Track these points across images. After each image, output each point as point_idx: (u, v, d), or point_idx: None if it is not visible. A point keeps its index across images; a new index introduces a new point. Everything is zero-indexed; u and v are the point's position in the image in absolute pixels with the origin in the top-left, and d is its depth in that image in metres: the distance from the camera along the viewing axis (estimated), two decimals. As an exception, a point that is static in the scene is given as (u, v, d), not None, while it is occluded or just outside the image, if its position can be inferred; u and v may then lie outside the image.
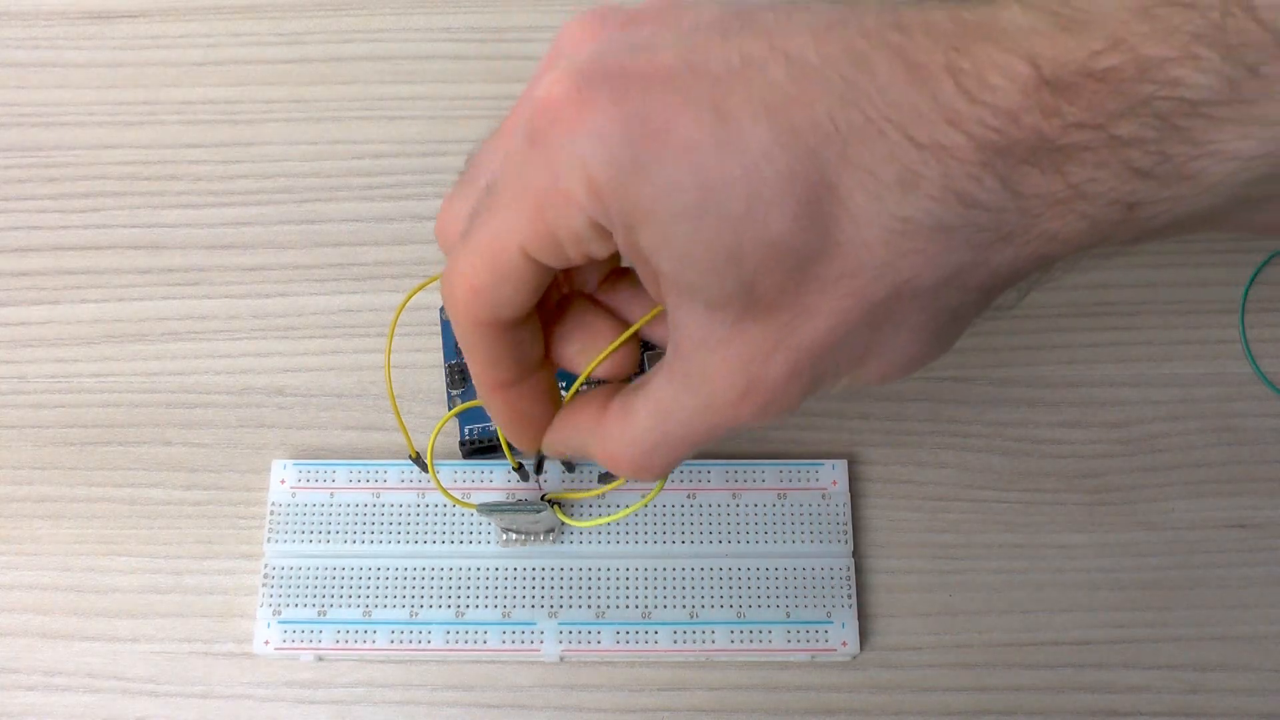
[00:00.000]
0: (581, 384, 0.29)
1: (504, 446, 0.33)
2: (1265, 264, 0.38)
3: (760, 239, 0.21)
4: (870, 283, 0.22)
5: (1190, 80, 0.19)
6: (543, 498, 0.33)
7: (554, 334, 0.28)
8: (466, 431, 0.36)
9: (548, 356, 0.28)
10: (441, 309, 0.38)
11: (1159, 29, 0.19)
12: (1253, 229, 0.24)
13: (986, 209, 0.21)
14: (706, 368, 0.24)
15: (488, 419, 0.35)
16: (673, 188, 0.21)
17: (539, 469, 0.34)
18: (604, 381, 0.28)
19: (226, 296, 0.39)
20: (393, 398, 0.33)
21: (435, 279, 0.35)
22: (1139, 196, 0.21)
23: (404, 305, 0.34)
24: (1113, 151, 0.20)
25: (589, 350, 0.28)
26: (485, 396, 0.27)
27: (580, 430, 0.28)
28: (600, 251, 0.23)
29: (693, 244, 0.22)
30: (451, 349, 0.37)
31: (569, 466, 0.35)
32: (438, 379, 0.37)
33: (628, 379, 0.28)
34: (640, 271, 0.25)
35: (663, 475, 0.27)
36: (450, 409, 0.37)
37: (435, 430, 0.32)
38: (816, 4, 0.23)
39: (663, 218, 0.21)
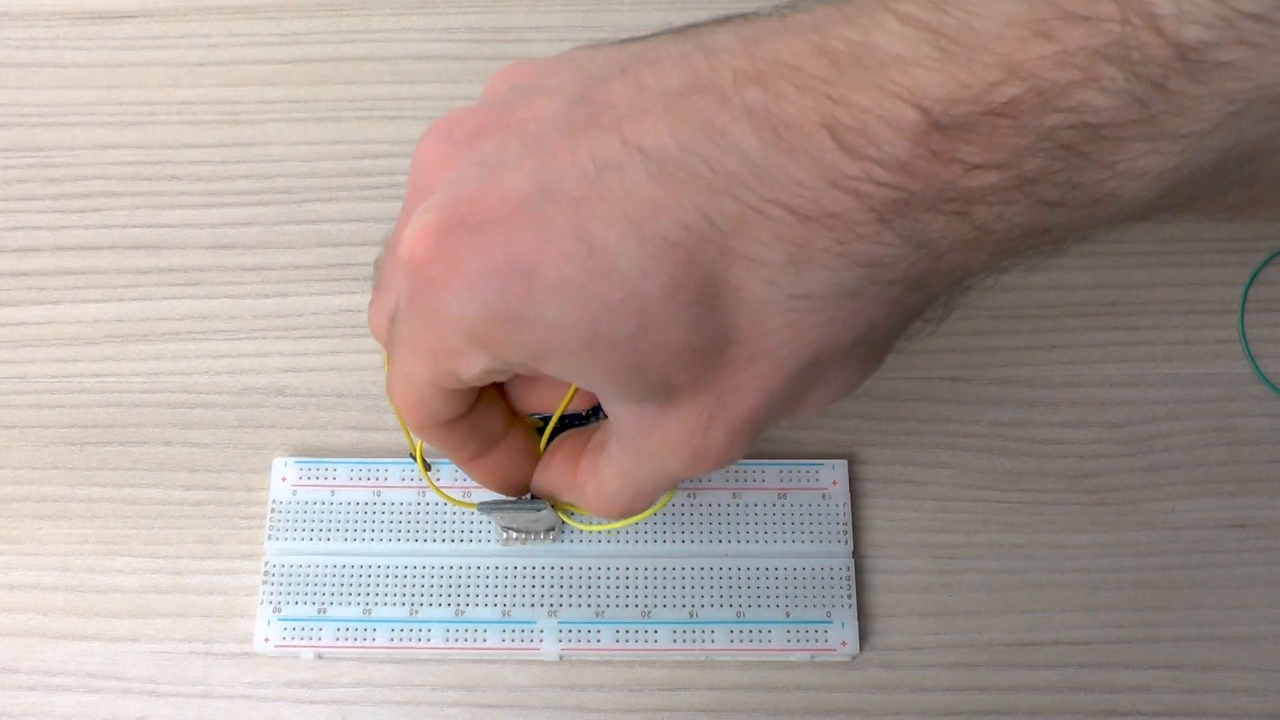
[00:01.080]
0: (551, 431, 0.29)
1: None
2: (1265, 264, 0.38)
3: (659, 351, 0.21)
4: (784, 359, 0.22)
5: (1095, 103, 0.18)
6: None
7: (516, 388, 0.28)
8: None
9: (515, 413, 0.28)
10: None
11: (1058, 49, 0.17)
12: (1206, 213, 0.22)
13: (890, 265, 0.20)
14: (652, 445, 0.24)
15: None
16: (557, 328, 0.21)
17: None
18: (578, 416, 0.30)
19: (226, 296, 0.39)
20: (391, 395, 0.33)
21: None
22: (1051, 223, 0.19)
23: None
24: (1019, 189, 0.19)
25: (552, 394, 0.27)
26: (463, 469, 0.28)
27: (558, 487, 0.29)
28: (508, 374, 0.24)
29: (595, 367, 0.21)
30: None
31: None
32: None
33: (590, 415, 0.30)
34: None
35: (632, 514, 0.28)
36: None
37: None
38: (663, 50, 0.21)
39: (558, 353, 0.21)
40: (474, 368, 0.23)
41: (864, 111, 0.18)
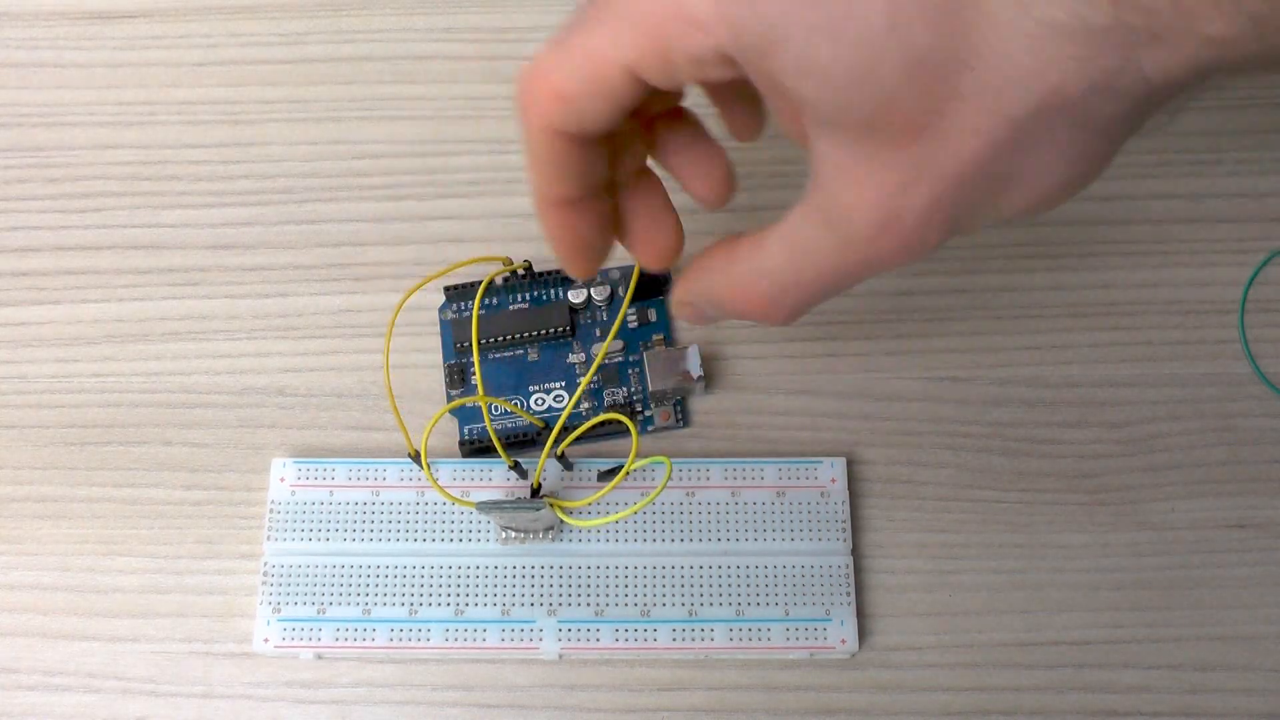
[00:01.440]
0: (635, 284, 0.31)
1: (498, 447, 0.33)
2: (1265, 264, 0.38)
3: (901, 53, 0.20)
4: (1014, 96, 0.21)
5: None
6: (536, 493, 0.33)
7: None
8: (466, 431, 0.36)
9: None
10: (441, 308, 0.38)
11: None
12: None
13: (1136, 4, 0.19)
14: (845, 200, 0.23)
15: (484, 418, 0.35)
16: (811, 3, 0.20)
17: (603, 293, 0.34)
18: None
19: (226, 296, 0.39)
20: (391, 395, 0.33)
21: (433, 278, 0.35)
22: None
23: (401, 304, 0.34)
24: None
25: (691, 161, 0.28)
26: (542, 212, 0.27)
27: (710, 271, 0.27)
28: (717, 76, 0.22)
29: (832, 63, 0.21)
30: (450, 350, 0.37)
31: (567, 464, 0.35)
32: (437, 379, 0.37)
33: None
34: (771, 100, 0.24)
35: (791, 319, 0.27)
36: (450, 400, 0.37)
37: (428, 427, 0.32)
38: None
39: (799, 38, 0.20)
40: (699, 45, 0.21)
41: None
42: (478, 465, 0.35)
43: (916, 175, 0.22)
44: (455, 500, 0.32)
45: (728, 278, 0.27)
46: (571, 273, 0.28)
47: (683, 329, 0.38)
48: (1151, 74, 0.20)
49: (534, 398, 0.37)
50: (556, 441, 0.33)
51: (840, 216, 0.23)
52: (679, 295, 0.29)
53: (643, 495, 0.32)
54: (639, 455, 0.34)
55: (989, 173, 0.22)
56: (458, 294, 0.37)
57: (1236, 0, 0.19)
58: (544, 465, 0.33)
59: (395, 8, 0.43)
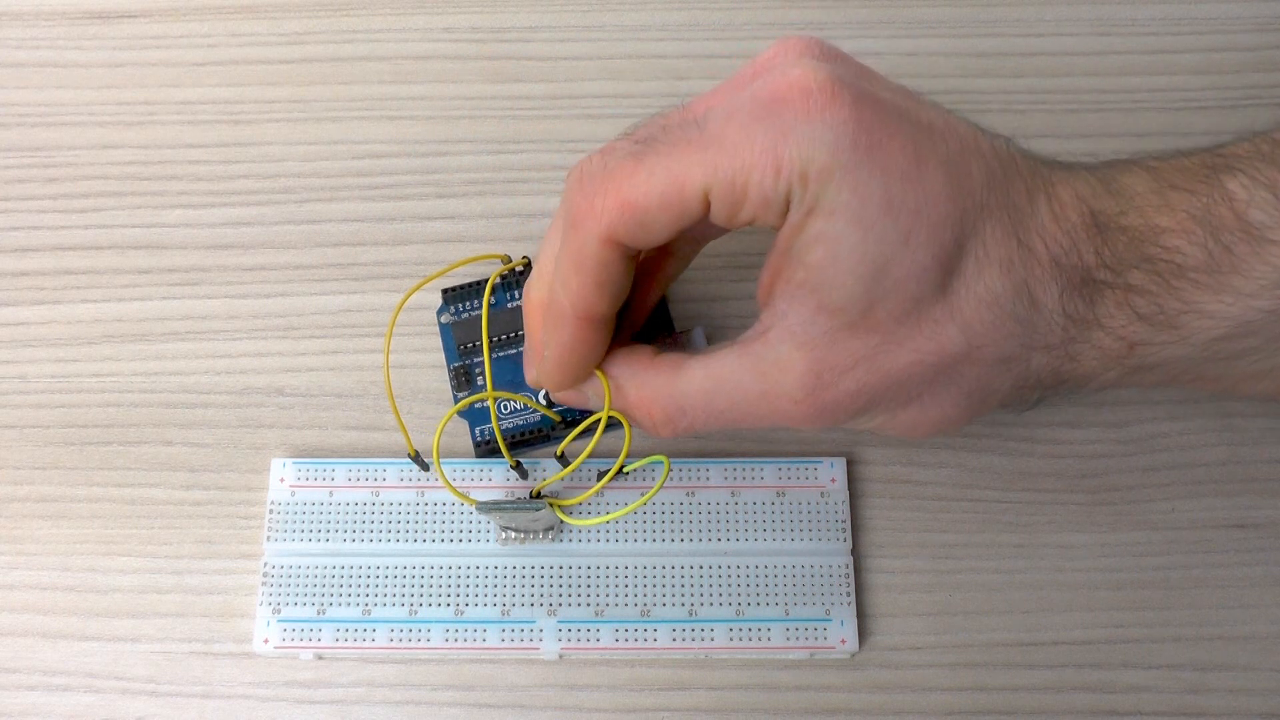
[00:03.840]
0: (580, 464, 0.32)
1: (502, 447, 0.33)
2: (1265, 264, 0.38)
3: (906, 265, 0.25)
4: (954, 337, 0.26)
5: (1183, 249, 0.25)
6: (536, 494, 0.33)
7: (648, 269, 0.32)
8: (478, 432, 0.36)
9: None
10: (439, 311, 0.38)
11: (1165, 205, 0.26)
12: (1235, 390, 0.30)
13: (1041, 315, 0.26)
14: (784, 358, 0.26)
15: (493, 419, 0.35)
16: (865, 195, 0.24)
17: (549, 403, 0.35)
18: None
19: (226, 296, 0.39)
20: (391, 396, 0.33)
21: (433, 278, 0.35)
22: (1139, 337, 0.26)
23: (401, 305, 0.34)
24: (1125, 296, 0.26)
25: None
26: (566, 326, 0.28)
27: (625, 368, 0.29)
28: (765, 220, 0.26)
29: (853, 248, 0.25)
30: (454, 353, 0.37)
31: (566, 464, 0.35)
32: (437, 379, 0.37)
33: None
34: (777, 258, 0.27)
35: (671, 435, 0.29)
36: (460, 412, 0.36)
37: (439, 428, 0.32)
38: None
39: (842, 217, 0.24)
40: (774, 187, 0.25)
41: (1065, 201, 0.27)
42: (478, 465, 0.35)
43: (856, 363, 0.26)
44: (462, 497, 0.32)
45: (638, 384, 0.29)
46: (555, 386, 0.30)
47: (682, 317, 0.38)
48: (1033, 368, 0.27)
49: (539, 395, 0.37)
50: (566, 460, 0.34)
51: (774, 369, 0.27)
52: (569, 382, 0.30)
53: (642, 495, 0.32)
54: (640, 454, 0.34)
55: (908, 385, 0.27)
56: (455, 296, 0.37)
57: (1093, 333, 0.27)
58: (550, 481, 0.34)
59: (395, 8, 0.43)
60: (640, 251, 0.28)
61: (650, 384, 0.29)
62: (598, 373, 0.30)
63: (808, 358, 0.26)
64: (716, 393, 0.27)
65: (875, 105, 0.25)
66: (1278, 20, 0.42)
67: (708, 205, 0.25)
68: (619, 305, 0.28)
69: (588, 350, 0.29)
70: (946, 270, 0.25)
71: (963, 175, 0.25)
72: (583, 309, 0.28)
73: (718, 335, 0.37)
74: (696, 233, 0.31)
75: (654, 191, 0.25)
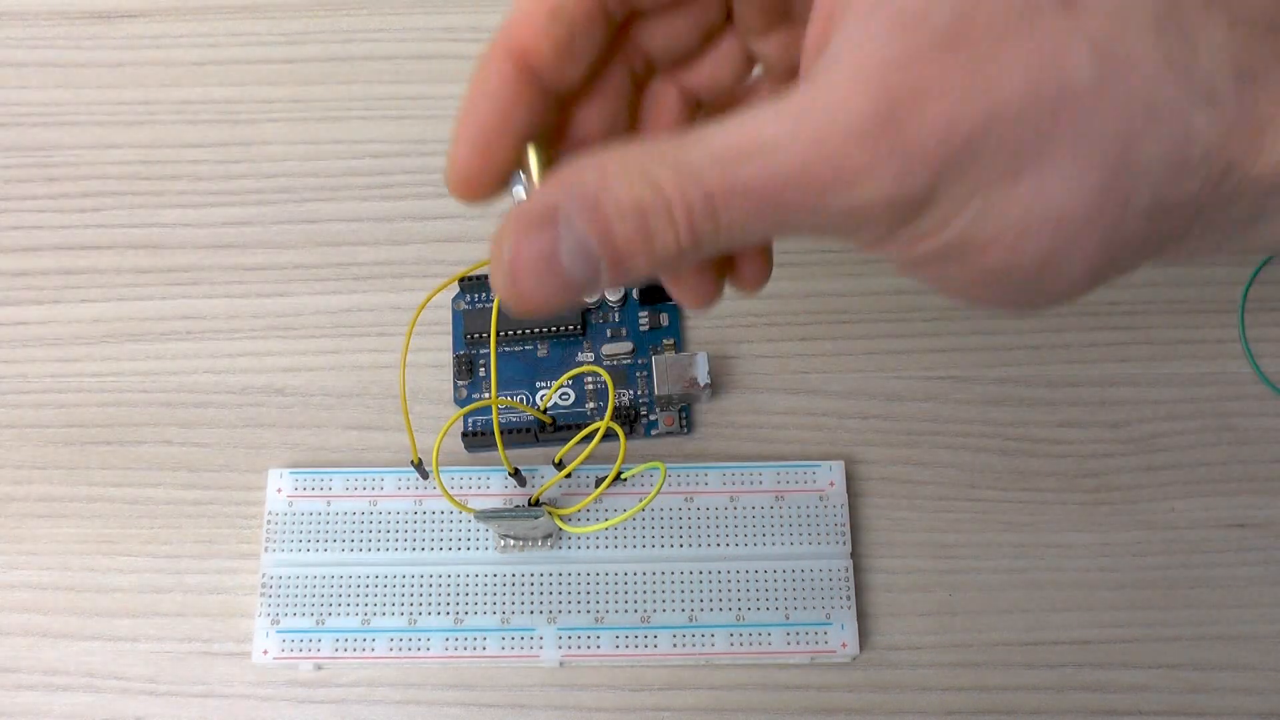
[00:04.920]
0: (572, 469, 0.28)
1: (502, 455, 0.33)
2: (1265, 264, 0.38)
3: None
4: (1081, 56, 0.17)
5: None
6: (534, 501, 0.33)
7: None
8: (470, 423, 0.36)
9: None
10: (455, 298, 0.38)
11: None
12: None
13: (1201, 60, 0.18)
14: (846, 90, 0.18)
15: (490, 413, 0.35)
16: None
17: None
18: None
19: (226, 296, 0.39)
20: (404, 399, 0.33)
21: (459, 277, 0.35)
22: None
23: (424, 304, 0.34)
24: None
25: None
26: (486, 64, 0.21)
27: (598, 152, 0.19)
28: None
29: None
30: (460, 340, 0.37)
31: (560, 468, 0.35)
32: (437, 378, 0.37)
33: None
34: None
35: (682, 241, 0.18)
36: (456, 399, 0.37)
37: (438, 438, 0.32)
38: None
39: None
40: None
41: None
42: (476, 473, 0.35)
43: (948, 86, 0.17)
44: (460, 506, 0.32)
45: (618, 154, 0.18)
46: (455, 168, 0.21)
47: (693, 336, 0.37)
48: (1210, 145, 0.18)
49: (539, 394, 0.37)
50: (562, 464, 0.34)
51: (830, 108, 0.18)
52: (473, 158, 0.21)
53: (640, 501, 0.32)
54: (637, 460, 0.34)
55: (1020, 133, 0.18)
56: (472, 285, 0.38)
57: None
58: (547, 487, 0.34)
59: (395, 7, 0.43)
60: (623, 11, 0.21)
61: (639, 150, 0.18)
62: (531, 151, 0.21)
63: (878, 83, 0.17)
64: (744, 154, 0.18)
65: None
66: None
67: None
68: (571, 68, 0.21)
69: (508, 104, 0.20)
70: None
71: None
72: (521, 35, 0.20)
73: (718, 351, 0.37)
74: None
75: None
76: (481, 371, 0.37)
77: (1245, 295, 0.38)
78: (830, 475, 0.35)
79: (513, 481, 0.35)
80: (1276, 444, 0.36)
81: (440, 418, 0.37)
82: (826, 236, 0.19)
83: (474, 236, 0.39)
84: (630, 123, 0.23)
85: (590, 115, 0.22)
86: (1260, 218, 0.19)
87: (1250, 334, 0.37)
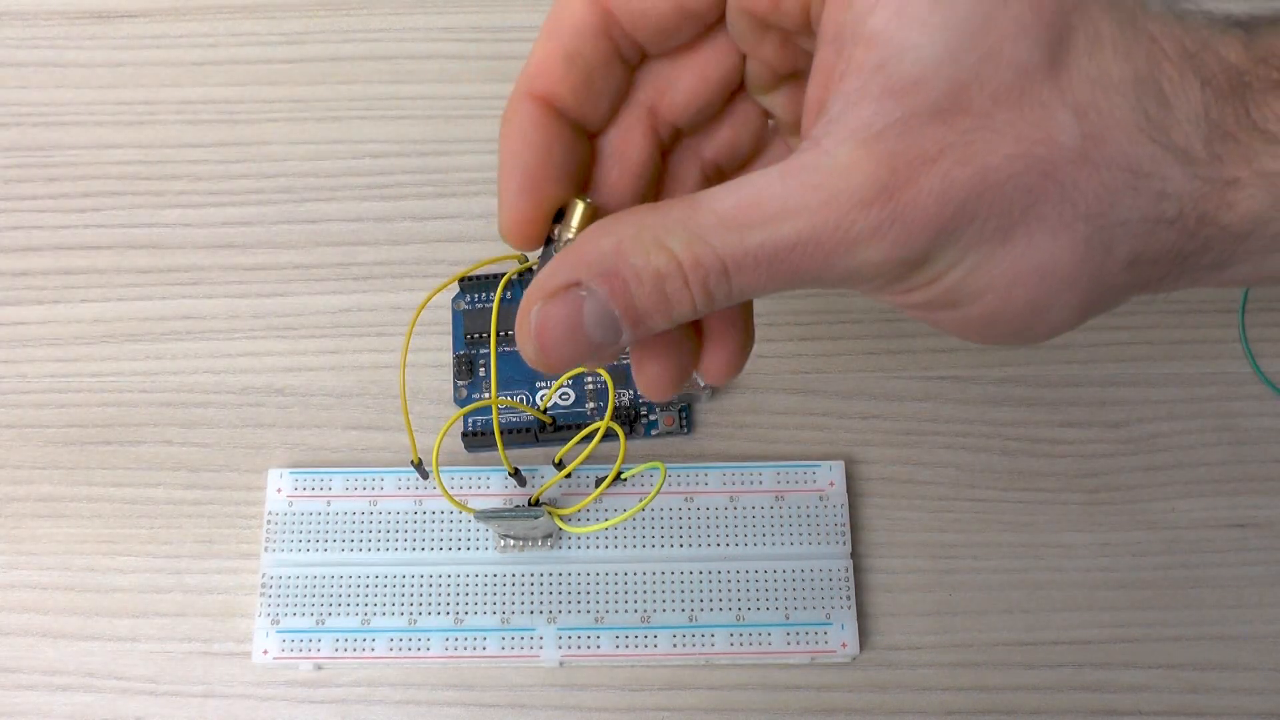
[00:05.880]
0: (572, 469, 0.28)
1: (502, 455, 0.33)
2: (1265, 264, 0.38)
3: (999, 19, 0.19)
4: (1066, 124, 0.19)
5: None
6: (534, 501, 0.33)
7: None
8: (470, 423, 0.36)
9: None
10: (455, 298, 0.38)
11: None
12: None
13: (1176, 118, 0.19)
14: (847, 159, 0.19)
15: (490, 413, 0.35)
16: None
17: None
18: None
19: (226, 296, 0.39)
20: (404, 399, 0.33)
21: (459, 277, 0.35)
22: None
23: (424, 305, 0.34)
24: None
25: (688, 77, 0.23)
26: (513, 111, 0.21)
27: (615, 214, 0.20)
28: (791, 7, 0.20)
29: (942, 11, 0.19)
30: (461, 340, 0.37)
31: (560, 467, 0.35)
32: (437, 378, 0.37)
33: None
34: (826, 55, 0.20)
35: (700, 297, 0.20)
36: (456, 399, 0.37)
37: (438, 439, 0.32)
38: None
39: None
40: None
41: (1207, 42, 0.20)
42: (476, 473, 0.35)
43: (939, 153, 0.19)
44: (460, 506, 0.32)
45: (634, 219, 0.20)
46: (508, 220, 0.22)
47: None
48: (1161, 214, 0.20)
49: (539, 394, 0.37)
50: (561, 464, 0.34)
51: (832, 175, 0.19)
52: (523, 209, 0.22)
53: (640, 501, 0.32)
54: (637, 460, 0.34)
55: (1005, 197, 0.19)
56: (472, 285, 0.38)
57: (1237, 170, 0.19)
58: (547, 487, 0.34)
59: (395, 7, 0.43)
60: (636, 55, 0.22)
61: (653, 218, 0.20)
62: (578, 205, 0.22)
63: (877, 151, 0.19)
64: (752, 221, 0.19)
65: None
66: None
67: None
68: (593, 108, 0.22)
69: (545, 146, 0.21)
70: (1051, 37, 0.19)
71: None
72: (541, 81, 0.21)
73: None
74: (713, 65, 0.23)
75: None
76: (481, 371, 0.37)
77: (1245, 295, 0.38)
78: (830, 475, 0.35)
79: (513, 481, 0.35)
80: (1276, 444, 0.36)
81: (440, 418, 0.37)
82: (826, 288, 0.20)
83: (474, 236, 0.39)
84: (656, 189, 0.24)
85: (617, 182, 0.23)
86: (1229, 263, 0.21)
87: (1250, 334, 0.37)
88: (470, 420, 0.36)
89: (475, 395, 0.37)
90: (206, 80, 0.42)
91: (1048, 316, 0.20)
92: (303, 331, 0.38)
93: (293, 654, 0.34)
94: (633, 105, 0.23)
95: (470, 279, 0.37)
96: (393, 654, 0.34)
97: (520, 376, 0.37)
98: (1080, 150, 0.19)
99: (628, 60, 0.22)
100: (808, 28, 0.21)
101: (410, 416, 0.34)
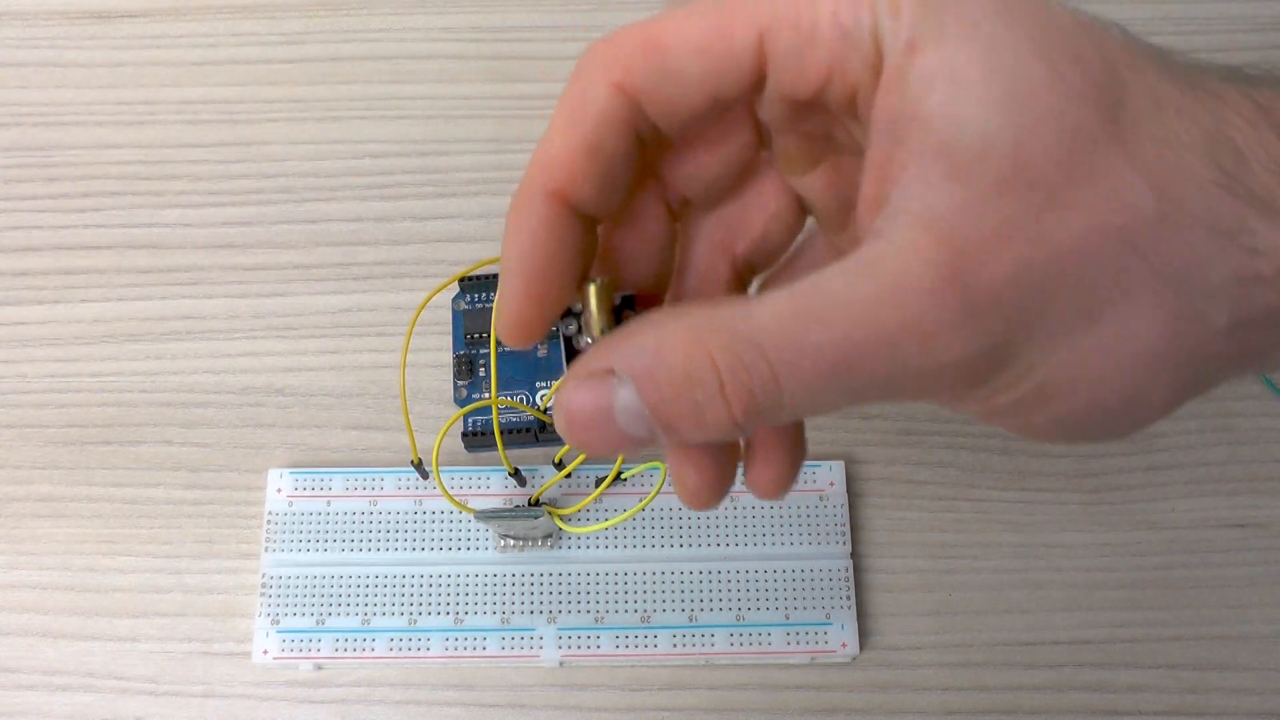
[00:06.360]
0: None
1: (502, 455, 0.33)
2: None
3: (1054, 87, 0.17)
4: (1140, 191, 0.17)
5: None
6: (534, 501, 0.33)
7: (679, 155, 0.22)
8: (470, 423, 0.36)
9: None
10: (455, 298, 0.38)
11: None
12: None
13: (1254, 171, 0.18)
14: (908, 244, 0.17)
15: (490, 413, 0.35)
16: (979, 11, 0.18)
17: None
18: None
19: (226, 296, 0.39)
20: (404, 399, 0.33)
21: (459, 277, 0.35)
22: None
23: (424, 304, 0.34)
24: None
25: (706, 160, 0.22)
26: (529, 207, 0.20)
27: (663, 312, 0.19)
28: (848, 74, 0.19)
29: (981, 71, 0.17)
30: (461, 340, 0.37)
31: (559, 467, 0.35)
32: (437, 378, 0.37)
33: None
34: (881, 146, 0.19)
35: (746, 415, 0.18)
36: (456, 399, 0.37)
37: (438, 439, 0.32)
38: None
39: (957, 36, 0.18)
40: (857, 17, 0.18)
41: None
42: (476, 473, 0.35)
43: (1008, 236, 0.17)
44: (460, 506, 0.32)
45: (685, 321, 0.18)
46: (510, 320, 0.20)
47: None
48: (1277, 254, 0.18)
49: (540, 394, 0.37)
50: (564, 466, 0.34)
51: (894, 262, 0.17)
52: (533, 310, 0.20)
53: (640, 501, 0.32)
54: (637, 460, 0.34)
55: (1084, 278, 0.18)
56: (472, 285, 0.38)
57: None
58: (547, 487, 0.34)
59: (395, 7, 0.43)
60: (655, 141, 0.20)
61: (699, 317, 0.18)
62: (591, 292, 0.20)
63: (944, 235, 0.17)
64: (810, 317, 0.17)
65: None
66: (1278, 20, 0.42)
67: (761, 60, 0.19)
68: (611, 200, 0.20)
69: (556, 249, 0.20)
70: (1108, 101, 0.18)
71: (1091, 19, 0.18)
72: (560, 176, 0.20)
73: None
74: (735, 145, 0.22)
75: (692, 32, 0.19)
76: (481, 371, 0.37)
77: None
78: (830, 475, 0.35)
79: (513, 481, 0.35)
80: (1276, 444, 0.36)
81: (440, 418, 0.37)
82: (898, 400, 0.19)
83: (474, 236, 0.39)
84: (672, 256, 0.23)
85: (629, 252, 0.22)
86: None
87: (1250, 334, 0.37)
88: (470, 420, 0.36)
89: (475, 395, 0.37)
90: (206, 80, 0.42)
91: (1146, 402, 0.19)
92: (303, 331, 0.38)
93: (293, 654, 0.34)
94: (645, 180, 0.22)
95: (470, 279, 0.37)
96: (393, 654, 0.34)
97: (520, 376, 0.37)
98: (1158, 214, 0.18)
99: (648, 146, 0.21)
100: (853, 112, 0.19)
101: (410, 416, 0.34)
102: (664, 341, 0.18)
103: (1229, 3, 0.42)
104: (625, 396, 0.18)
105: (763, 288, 0.23)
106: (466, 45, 0.42)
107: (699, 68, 0.19)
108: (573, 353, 0.21)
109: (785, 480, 0.22)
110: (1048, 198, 0.17)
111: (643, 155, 0.21)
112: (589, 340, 0.21)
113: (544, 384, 0.37)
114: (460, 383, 0.37)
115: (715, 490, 0.22)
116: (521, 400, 0.36)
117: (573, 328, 0.21)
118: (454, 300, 0.38)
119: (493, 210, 0.40)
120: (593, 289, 0.20)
